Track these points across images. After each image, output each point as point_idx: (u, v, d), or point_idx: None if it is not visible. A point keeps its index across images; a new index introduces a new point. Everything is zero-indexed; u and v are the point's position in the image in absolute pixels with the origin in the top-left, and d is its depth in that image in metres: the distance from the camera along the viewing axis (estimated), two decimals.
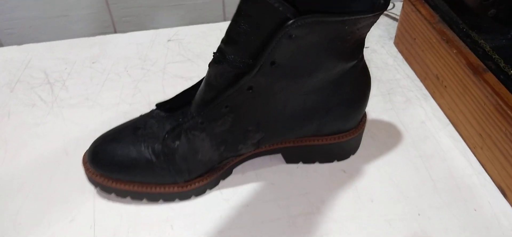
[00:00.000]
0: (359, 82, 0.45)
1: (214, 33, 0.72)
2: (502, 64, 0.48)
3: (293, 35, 0.35)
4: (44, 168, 0.50)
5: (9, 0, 0.69)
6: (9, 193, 0.47)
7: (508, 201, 0.46)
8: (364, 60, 0.44)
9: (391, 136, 0.53)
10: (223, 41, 0.38)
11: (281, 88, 0.40)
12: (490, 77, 0.47)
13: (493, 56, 0.49)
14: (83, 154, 0.46)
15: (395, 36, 0.68)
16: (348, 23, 0.36)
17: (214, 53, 0.39)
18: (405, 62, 0.65)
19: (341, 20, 0.35)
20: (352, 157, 0.51)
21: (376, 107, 0.57)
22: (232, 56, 0.37)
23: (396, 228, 0.44)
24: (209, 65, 0.40)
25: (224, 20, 0.79)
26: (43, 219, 0.45)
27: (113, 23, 0.75)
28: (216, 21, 0.78)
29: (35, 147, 0.53)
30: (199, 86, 0.43)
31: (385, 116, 0.56)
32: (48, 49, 0.69)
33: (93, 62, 0.67)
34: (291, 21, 0.34)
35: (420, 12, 0.59)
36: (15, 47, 0.70)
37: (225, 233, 0.43)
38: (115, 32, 0.76)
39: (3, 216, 0.45)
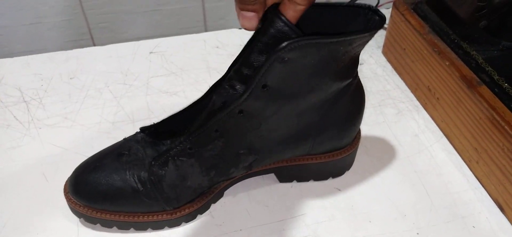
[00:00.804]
0: (354, 100, 0.43)
1: (198, 45, 0.70)
2: (496, 77, 0.47)
3: (286, 58, 0.33)
4: (21, 196, 0.47)
5: None
6: None
7: (506, 217, 0.45)
8: (359, 77, 0.43)
9: (385, 151, 0.52)
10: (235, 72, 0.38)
11: (273, 111, 0.38)
12: (485, 90, 0.46)
13: (487, 68, 0.48)
14: (64, 181, 0.44)
15: (383, 45, 0.67)
16: (343, 44, 0.34)
17: (225, 84, 0.38)
18: (394, 72, 0.63)
19: (336, 41, 0.34)
20: (346, 174, 0.49)
21: (368, 121, 0.56)
22: (243, 89, 0.36)
23: None
24: (217, 94, 0.38)
25: (205, 27, 0.76)
26: None
27: (89, 30, 0.72)
28: (195, 27, 0.75)
29: (10, 173, 0.49)
30: (186, 111, 0.40)
31: (378, 130, 0.55)
32: (22, 64, 0.66)
33: (71, 78, 0.63)
34: (284, 44, 0.32)
35: (409, 22, 0.57)
36: None
37: None
38: (92, 39, 0.73)
39: None
